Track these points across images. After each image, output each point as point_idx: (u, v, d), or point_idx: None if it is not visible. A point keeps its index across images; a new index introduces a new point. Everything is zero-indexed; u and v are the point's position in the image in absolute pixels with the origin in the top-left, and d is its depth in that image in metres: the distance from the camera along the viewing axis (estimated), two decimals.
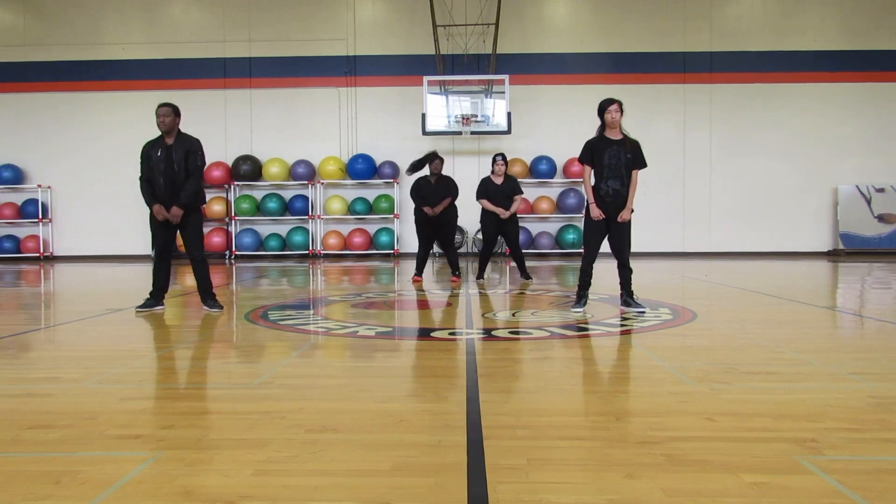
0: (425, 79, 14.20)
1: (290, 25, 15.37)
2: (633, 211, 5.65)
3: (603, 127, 5.62)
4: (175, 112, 5.97)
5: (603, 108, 5.58)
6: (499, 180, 8.52)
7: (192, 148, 5.97)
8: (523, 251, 9.17)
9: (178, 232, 6.07)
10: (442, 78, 14.34)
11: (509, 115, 14.22)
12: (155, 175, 5.89)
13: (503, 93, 14.16)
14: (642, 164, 5.67)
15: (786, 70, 15.16)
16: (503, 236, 8.71)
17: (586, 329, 4.91)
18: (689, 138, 15.18)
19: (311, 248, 15.13)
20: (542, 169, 14.86)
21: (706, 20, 15.23)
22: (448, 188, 8.49)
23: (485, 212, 8.55)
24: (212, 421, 2.68)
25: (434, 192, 8.44)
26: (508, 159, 16.26)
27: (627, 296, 5.73)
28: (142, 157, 5.98)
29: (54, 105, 15.50)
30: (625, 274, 5.74)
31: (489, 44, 14.63)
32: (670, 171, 15.00)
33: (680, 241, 15.24)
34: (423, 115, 14.29)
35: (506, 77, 14.17)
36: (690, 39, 15.21)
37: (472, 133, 14.47)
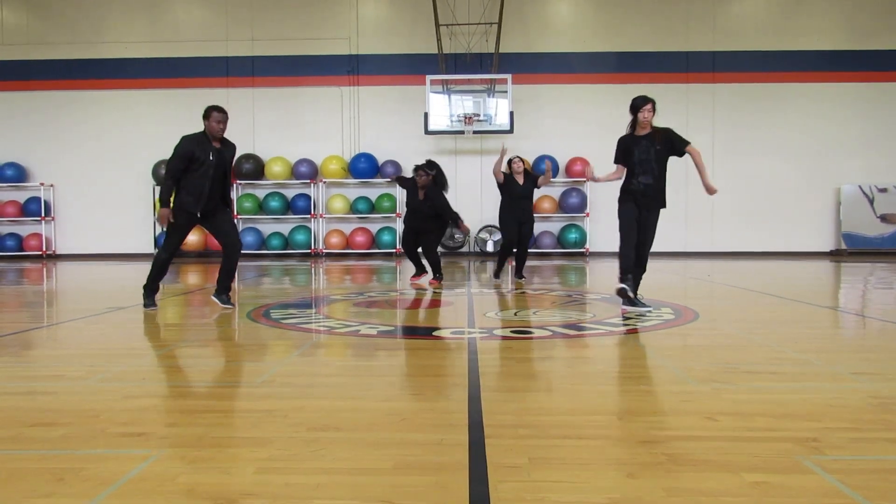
0: (428, 78, 14.19)
1: (292, 24, 15.37)
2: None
3: (634, 123, 5.63)
4: (227, 117, 5.92)
5: (637, 107, 5.56)
6: (520, 179, 8.27)
7: (234, 152, 6.04)
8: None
9: (214, 231, 6.05)
10: (444, 77, 14.33)
11: (511, 114, 14.21)
12: (202, 179, 5.68)
13: (506, 92, 14.15)
14: (682, 142, 5.62)
15: (789, 70, 15.14)
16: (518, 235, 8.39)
17: (588, 328, 4.91)
18: (691, 138, 14.93)
19: (313, 247, 15.14)
20: (544, 168, 14.82)
21: (709, 20, 15.21)
22: (434, 208, 7.99)
23: (505, 210, 8.29)
24: (214, 419, 2.68)
25: (420, 207, 8.07)
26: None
27: (634, 295, 5.72)
28: (183, 155, 5.66)
29: (57, 103, 15.53)
30: (638, 273, 5.75)
31: (492, 43, 14.62)
32: (672, 171, 14.85)
33: (682, 241, 15.23)
34: (426, 115, 14.28)
35: (508, 76, 14.16)
36: (693, 39, 15.19)
37: (475, 132, 14.47)
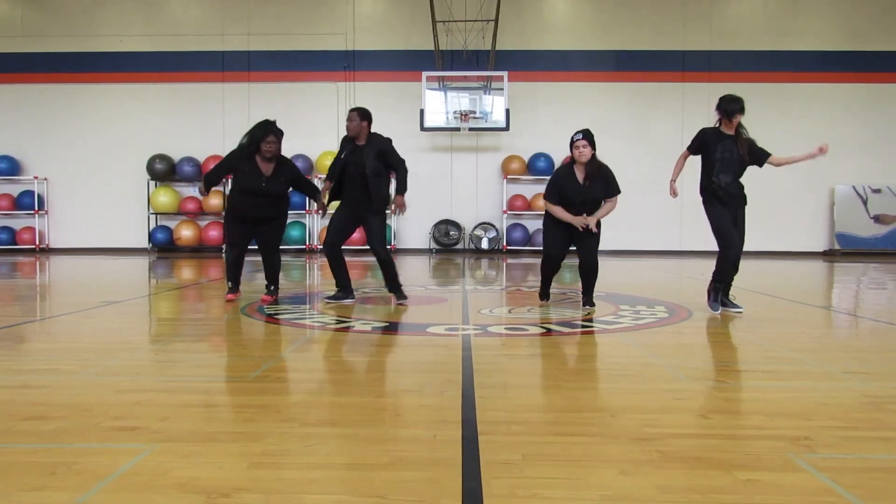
0: (424, 74, 14.17)
1: (289, 19, 15.32)
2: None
3: (720, 122, 5.64)
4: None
5: (730, 113, 5.51)
6: (581, 174, 5.57)
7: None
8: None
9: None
10: (441, 74, 14.31)
11: (508, 111, 14.20)
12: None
13: (502, 89, 14.13)
14: (763, 154, 5.63)
15: (784, 70, 15.16)
16: (576, 244, 5.74)
17: (582, 326, 4.92)
18: (687, 137, 14.93)
19: (307, 243, 15.11)
20: (540, 166, 14.84)
21: (706, 19, 15.23)
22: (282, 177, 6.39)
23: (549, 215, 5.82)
24: (207, 414, 2.68)
25: (265, 183, 6.30)
26: (505, 156, 16.04)
27: (724, 296, 5.65)
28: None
29: (52, 96, 15.44)
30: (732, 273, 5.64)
31: (488, 40, 14.61)
32: (668, 170, 14.94)
33: (677, 240, 15.25)
34: (422, 111, 14.26)
35: (505, 73, 14.15)
36: (690, 38, 15.20)
37: (471, 129, 14.45)
